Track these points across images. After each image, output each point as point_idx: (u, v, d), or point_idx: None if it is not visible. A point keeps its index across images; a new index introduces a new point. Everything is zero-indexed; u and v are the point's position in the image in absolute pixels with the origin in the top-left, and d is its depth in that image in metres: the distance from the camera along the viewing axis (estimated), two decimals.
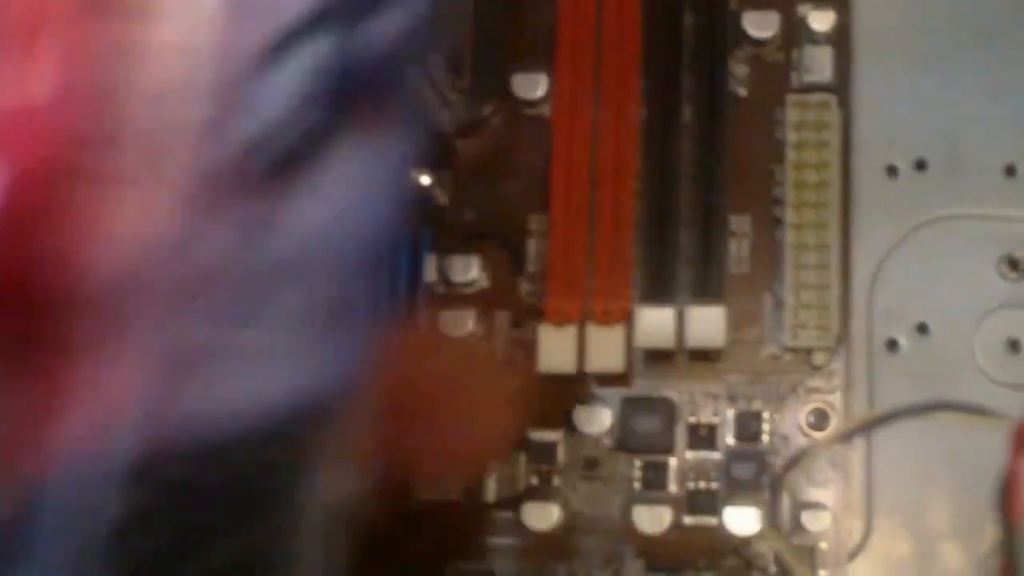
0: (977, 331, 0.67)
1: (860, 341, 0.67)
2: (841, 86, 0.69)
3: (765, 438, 0.66)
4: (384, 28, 0.37)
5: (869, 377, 0.67)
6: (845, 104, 0.68)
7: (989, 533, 0.65)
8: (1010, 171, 0.68)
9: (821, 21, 0.68)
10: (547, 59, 0.70)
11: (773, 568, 0.65)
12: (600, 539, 0.67)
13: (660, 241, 0.66)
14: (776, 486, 0.64)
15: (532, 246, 0.69)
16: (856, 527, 0.66)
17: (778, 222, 0.67)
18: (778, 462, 0.66)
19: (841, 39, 0.69)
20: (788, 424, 0.66)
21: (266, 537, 0.39)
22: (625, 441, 0.66)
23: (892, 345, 0.67)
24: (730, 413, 0.67)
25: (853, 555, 0.65)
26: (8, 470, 0.33)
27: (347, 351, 0.39)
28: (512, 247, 0.69)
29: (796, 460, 0.63)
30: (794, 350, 0.67)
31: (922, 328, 0.67)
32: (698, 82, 0.68)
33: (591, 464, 0.67)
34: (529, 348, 0.68)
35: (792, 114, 0.67)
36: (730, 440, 0.67)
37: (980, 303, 0.67)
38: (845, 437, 0.61)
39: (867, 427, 0.58)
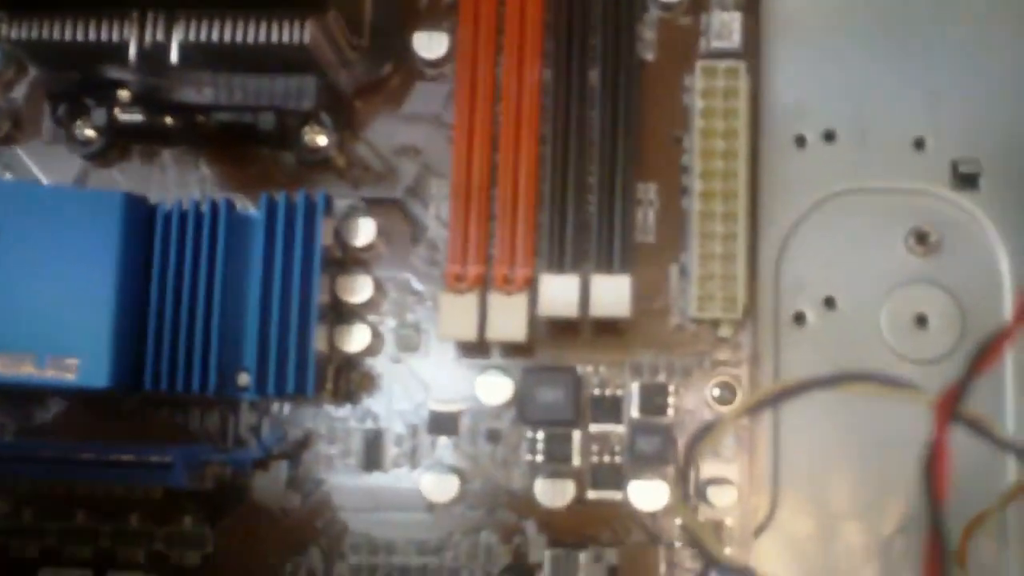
0: (884, 306, 0.66)
1: (767, 314, 0.66)
2: (750, 53, 0.67)
3: (671, 411, 0.64)
4: None
5: (775, 351, 0.66)
6: (754, 71, 0.66)
7: (893, 510, 0.64)
8: (919, 144, 0.67)
9: None
10: (449, 18, 0.67)
11: (678, 543, 0.64)
12: (501, 513, 0.65)
13: (564, 208, 0.64)
14: (686, 459, 0.62)
15: (432, 210, 0.67)
16: (762, 503, 0.64)
17: (685, 191, 0.66)
18: (683, 436, 0.64)
19: (751, 5, 0.67)
20: (694, 397, 0.65)
21: None
22: (527, 412, 0.64)
23: (799, 318, 0.66)
24: (635, 385, 0.65)
25: (759, 531, 0.64)
26: None
27: None
28: (411, 211, 0.67)
29: (704, 432, 0.61)
30: (700, 321, 0.65)
31: (829, 302, 0.66)
32: (605, 45, 0.66)
33: (493, 436, 0.65)
34: (429, 317, 0.66)
35: (700, 80, 0.65)
36: (635, 413, 0.65)
37: (888, 277, 0.66)
38: (755, 408, 0.59)
39: (778, 398, 0.56)
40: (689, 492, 0.63)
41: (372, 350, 0.66)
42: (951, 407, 0.49)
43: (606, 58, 0.66)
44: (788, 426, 0.65)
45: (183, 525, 0.65)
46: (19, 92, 0.69)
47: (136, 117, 0.64)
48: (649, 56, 0.67)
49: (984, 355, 0.48)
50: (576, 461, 0.64)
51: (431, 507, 0.65)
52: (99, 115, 0.65)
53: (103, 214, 0.61)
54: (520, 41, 0.66)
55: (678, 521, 0.64)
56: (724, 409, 0.64)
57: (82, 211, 0.61)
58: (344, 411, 0.66)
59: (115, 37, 0.62)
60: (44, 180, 0.68)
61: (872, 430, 0.64)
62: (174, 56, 0.62)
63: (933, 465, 0.48)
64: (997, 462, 0.63)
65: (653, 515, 0.64)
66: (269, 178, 0.67)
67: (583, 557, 0.64)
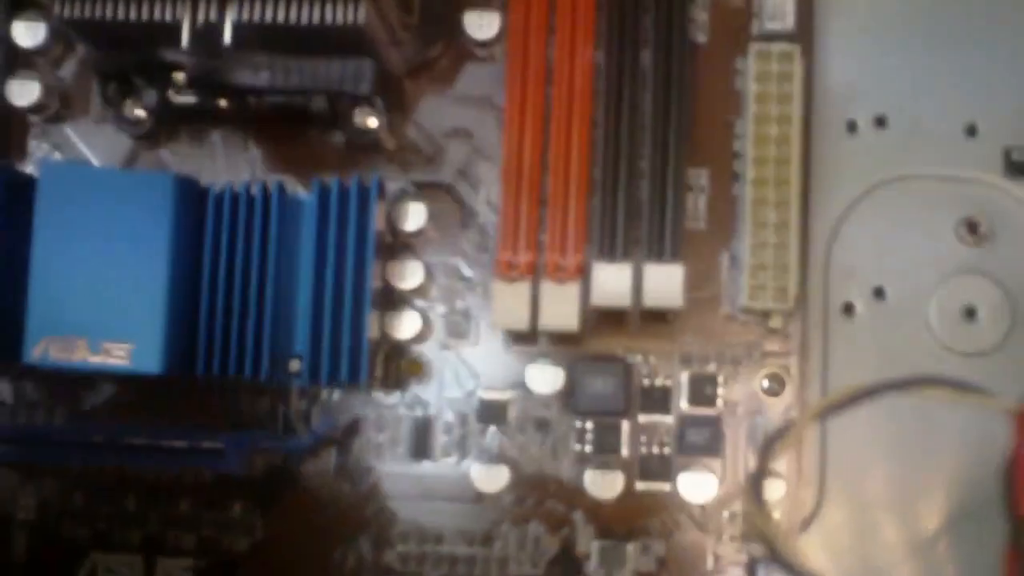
0: (934, 297, 0.65)
1: (817, 304, 0.65)
2: (804, 35, 0.66)
3: (720, 402, 0.64)
4: None
5: (824, 342, 0.65)
6: (807, 55, 0.66)
7: (937, 507, 0.64)
8: (971, 131, 0.66)
9: None
10: None
11: (726, 535, 0.64)
12: (550, 503, 0.65)
13: (615, 195, 0.64)
14: (761, 464, 0.62)
15: (482, 195, 0.66)
16: (809, 496, 0.64)
17: (737, 177, 0.65)
18: (731, 427, 0.64)
19: None
20: (743, 388, 0.65)
21: None
22: (577, 403, 0.64)
23: (848, 309, 0.65)
24: (684, 376, 0.65)
25: (805, 525, 0.64)
26: None
27: None
28: (461, 196, 0.67)
29: (779, 435, 0.61)
30: (751, 312, 0.65)
31: (878, 292, 0.65)
32: (657, 27, 0.65)
33: (542, 425, 0.65)
34: (480, 305, 0.66)
35: (754, 64, 0.64)
36: (684, 404, 0.65)
37: (937, 268, 0.65)
38: (829, 412, 0.59)
39: (852, 401, 0.56)
40: (762, 497, 0.63)
41: (422, 337, 0.65)
42: None
43: (658, 40, 0.65)
44: (835, 421, 0.64)
45: (233, 511, 0.65)
46: (67, 70, 0.69)
47: (189, 99, 0.64)
48: (701, 38, 0.67)
49: None
50: (625, 452, 0.64)
51: (480, 496, 0.65)
52: (150, 96, 0.64)
53: (155, 196, 0.60)
54: (572, 22, 0.65)
55: (726, 514, 0.64)
56: (772, 400, 0.64)
57: (134, 193, 0.60)
58: (393, 399, 0.66)
59: (168, 17, 0.61)
60: (93, 160, 0.68)
61: (917, 426, 0.63)
62: (227, 37, 0.61)
63: (1014, 474, 0.48)
64: None
65: (702, 507, 0.64)
66: (318, 160, 0.67)
67: (631, 548, 0.64)
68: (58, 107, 0.68)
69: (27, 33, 0.67)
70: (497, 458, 0.64)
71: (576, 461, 0.65)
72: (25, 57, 0.68)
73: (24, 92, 0.67)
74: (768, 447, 0.60)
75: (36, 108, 0.67)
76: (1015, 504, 0.47)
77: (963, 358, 0.65)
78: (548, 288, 0.63)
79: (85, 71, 0.68)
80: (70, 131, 0.68)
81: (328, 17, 0.60)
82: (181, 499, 0.66)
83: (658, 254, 0.63)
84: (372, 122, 0.65)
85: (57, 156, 0.68)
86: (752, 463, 0.64)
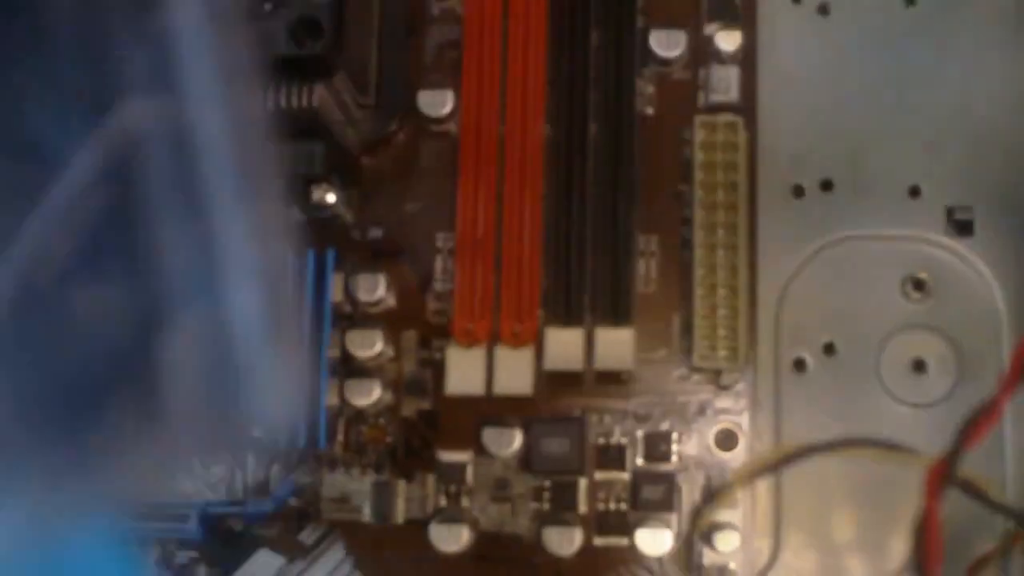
0: (883, 351, 0.67)
1: (767, 362, 0.67)
2: (747, 106, 0.69)
3: (674, 458, 0.66)
4: None
5: (776, 397, 0.67)
6: (751, 125, 0.68)
7: (897, 547, 0.65)
8: (914, 192, 0.68)
9: (728, 41, 0.68)
10: (453, 76, 0.69)
11: None
12: (510, 561, 0.66)
13: (567, 261, 0.66)
14: (692, 529, 0.63)
15: (439, 264, 0.68)
16: (765, 546, 0.66)
17: (686, 243, 0.67)
18: (686, 483, 0.66)
19: (747, 59, 0.69)
20: (697, 444, 0.66)
21: None
22: (534, 462, 0.66)
23: (799, 365, 0.67)
24: (639, 433, 0.66)
25: (762, 574, 0.65)
26: None
27: None
28: (419, 266, 0.69)
29: (708, 502, 0.63)
30: (702, 371, 0.66)
31: (828, 348, 0.67)
32: (605, 100, 0.68)
33: (501, 485, 0.67)
34: (438, 368, 0.67)
35: (699, 134, 0.67)
36: (639, 460, 0.66)
37: (886, 323, 0.67)
38: (755, 477, 0.61)
39: (779, 465, 0.58)
40: (696, 560, 0.65)
41: (381, 402, 0.67)
42: (942, 479, 0.50)
43: (607, 113, 0.68)
44: (789, 471, 0.66)
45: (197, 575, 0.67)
46: None
47: None
48: (649, 110, 0.69)
49: (974, 427, 0.50)
50: (583, 508, 0.66)
51: (440, 556, 0.66)
52: None
53: None
54: (523, 98, 0.67)
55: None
56: (726, 456, 0.66)
57: None
58: (354, 462, 0.67)
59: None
60: None
61: (873, 470, 0.65)
62: None
63: (925, 536, 0.49)
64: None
65: (659, 560, 0.65)
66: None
67: None
68: None
69: None
70: (457, 518, 0.66)
71: (535, 519, 0.66)
72: None
73: None
74: (697, 518, 0.62)
75: None
76: (925, 561, 0.48)
77: (914, 409, 0.66)
78: (503, 354, 0.65)
79: None
80: None
81: (283, 101, 0.63)
82: (145, 564, 0.67)
83: (610, 318, 0.65)
84: (330, 198, 0.67)
85: None
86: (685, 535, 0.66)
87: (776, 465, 0.58)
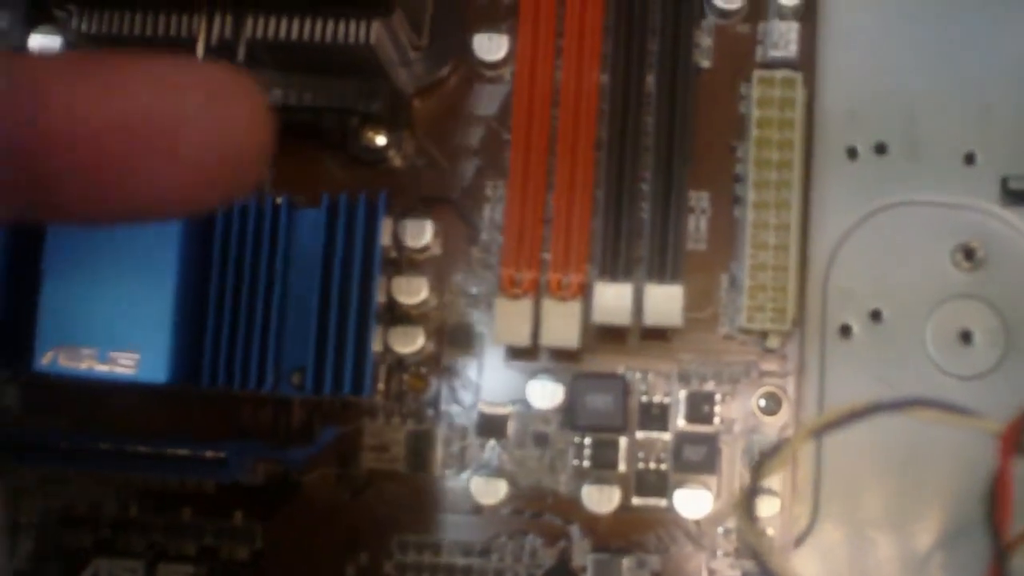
0: (930, 320, 0.66)
1: (814, 326, 0.66)
2: (806, 63, 0.67)
3: (717, 420, 0.65)
4: None
5: (821, 362, 0.66)
6: (809, 82, 0.67)
7: (932, 524, 0.64)
8: (969, 159, 0.67)
9: None
10: (509, 21, 0.68)
11: (720, 551, 0.65)
12: (547, 517, 0.66)
13: (618, 215, 0.65)
14: (753, 481, 0.62)
15: (487, 213, 0.67)
16: (804, 513, 0.65)
17: (738, 200, 0.66)
18: (728, 445, 0.65)
19: (808, 15, 0.68)
20: (740, 407, 0.65)
21: None
22: (576, 418, 0.65)
23: (845, 331, 0.66)
24: (682, 394, 0.66)
25: (799, 541, 0.65)
26: None
27: None
28: (467, 213, 0.68)
29: (771, 454, 0.62)
30: (749, 332, 0.65)
31: (875, 315, 0.66)
32: (662, 51, 0.66)
33: (541, 440, 0.66)
34: (482, 320, 0.67)
35: (757, 90, 0.65)
36: (681, 421, 0.65)
37: (934, 292, 0.66)
38: (822, 431, 0.60)
39: (845, 421, 0.57)
40: (754, 513, 0.64)
41: (424, 351, 0.66)
42: (1016, 438, 0.49)
43: (663, 64, 0.66)
44: (830, 437, 0.65)
45: (234, 520, 0.66)
46: None
47: None
48: (706, 63, 0.68)
49: None
50: (622, 467, 0.65)
51: (478, 509, 0.66)
52: None
53: None
54: (579, 45, 0.66)
55: (720, 530, 0.65)
56: (769, 420, 0.65)
57: None
58: (395, 411, 0.67)
59: (183, 33, 0.61)
60: None
61: (913, 443, 0.64)
62: (241, 54, 0.62)
63: (998, 496, 0.48)
64: None
65: (697, 523, 0.65)
66: (327, 176, 0.68)
67: (626, 562, 0.65)
68: None
69: (44, 46, 0.68)
70: (496, 471, 0.66)
71: (574, 476, 0.65)
72: None
73: None
74: (761, 465, 0.61)
75: None
76: (999, 526, 0.48)
77: (959, 381, 0.66)
78: (550, 306, 0.64)
79: None
80: None
81: (340, 36, 0.61)
82: (183, 508, 0.67)
83: (659, 274, 0.64)
84: (380, 140, 0.66)
85: None
86: (746, 480, 0.65)
87: (840, 421, 0.57)
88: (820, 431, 0.58)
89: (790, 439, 0.63)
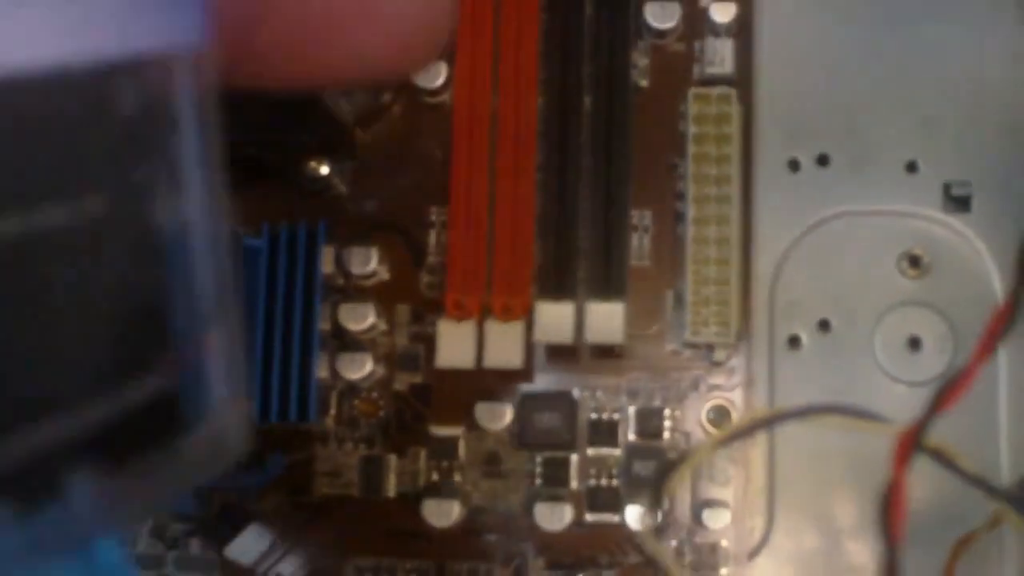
0: (878, 328, 0.67)
1: (762, 337, 0.67)
2: (743, 79, 0.68)
3: (666, 435, 0.66)
4: None
5: (770, 374, 0.66)
6: (747, 98, 0.67)
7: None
8: (912, 167, 0.68)
9: (723, 13, 0.68)
10: (447, 47, 0.68)
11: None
12: (501, 536, 0.66)
13: (560, 235, 0.66)
14: (656, 491, 0.63)
15: (432, 238, 0.68)
16: (758, 525, 0.65)
17: (679, 216, 0.67)
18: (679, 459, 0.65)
19: (743, 31, 0.68)
20: (689, 421, 0.66)
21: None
22: (525, 437, 0.66)
23: (794, 342, 0.67)
24: (631, 409, 0.66)
25: (754, 553, 0.65)
26: None
27: None
28: (412, 239, 0.68)
29: (683, 457, 0.62)
30: (695, 346, 0.66)
31: (823, 325, 0.67)
32: (598, 72, 0.67)
33: (492, 460, 0.66)
34: (429, 342, 0.67)
35: (693, 107, 0.66)
36: (631, 436, 0.66)
37: (881, 300, 0.67)
38: (727, 441, 0.60)
39: (749, 431, 0.57)
40: (684, 514, 0.64)
41: (373, 376, 0.67)
42: (911, 445, 0.49)
43: (600, 85, 0.67)
44: (782, 447, 0.65)
45: (191, 548, 0.67)
46: None
47: None
48: (644, 82, 0.69)
49: (947, 392, 0.49)
50: (574, 484, 0.66)
51: (432, 531, 0.66)
52: None
53: None
54: (516, 69, 0.67)
55: (673, 543, 0.65)
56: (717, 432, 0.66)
57: None
58: (347, 437, 0.67)
59: None
60: None
61: (867, 448, 0.64)
62: None
63: (890, 505, 0.48)
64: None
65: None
66: (272, 208, 0.68)
67: None
68: None
69: None
70: (448, 493, 0.66)
71: (526, 495, 0.66)
72: None
73: None
74: (664, 477, 0.61)
75: None
76: (891, 534, 0.48)
77: (909, 387, 0.66)
78: (493, 327, 0.65)
79: None
80: None
81: None
82: (138, 538, 0.67)
83: (601, 292, 0.65)
84: (324, 170, 0.67)
85: None
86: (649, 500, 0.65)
87: (744, 432, 0.58)
88: (725, 442, 0.59)
89: (694, 450, 0.64)
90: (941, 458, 0.50)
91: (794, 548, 0.65)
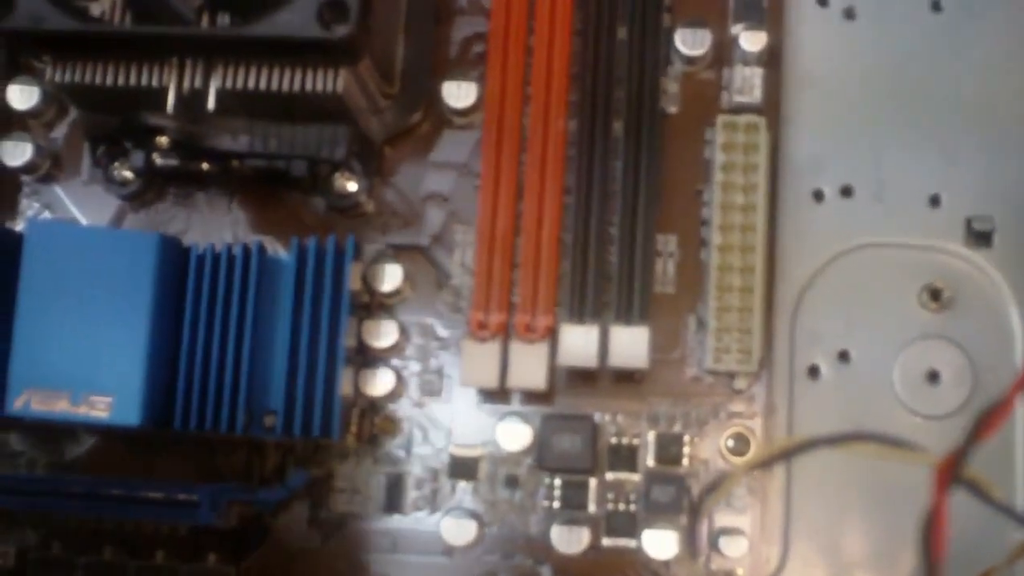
0: (897, 360, 0.67)
1: (782, 366, 0.67)
2: (770, 108, 0.68)
3: (685, 461, 0.66)
4: None
5: (790, 403, 0.67)
6: (774, 127, 0.68)
7: (904, 561, 0.65)
8: (935, 201, 0.68)
9: (753, 41, 0.68)
10: (478, 69, 0.69)
11: None
12: (518, 557, 0.66)
13: (586, 258, 0.66)
14: (695, 512, 0.63)
15: (457, 257, 0.68)
16: (773, 554, 0.65)
17: (704, 243, 0.67)
18: (697, 486, 0.65)
19: (772, 61, 0.69)
20: (708, 448, 0.66)
21: None
22: (545, 459, 0.66)
23: (813, 372, 0.67)
24: (651, 435, 0.66)
25: None
26: None
27: None
28: (437, 258, 0.69)
29: (713, 486, 0.62)
30: (716, 373, 0.66)
31: (843, 356, 0.67)
32: (628, 97, 0.67)
33: (511, 482, 0.67)
34: (452, 362, 0.68)
35: (721, 134, 0.66)
36: (650, 462, 0.66)
37: (901, 332, 0.67)
38: (762, 465, 0.60)
39: (785, 456, 0.57)
40: (697, 544, 0.64)
41: (395, 394, 0.67)
42: (951, 473, 0.49)
43: (630, 110, 0.67)
44: (800, 477, 0.66)
45: (207, 562, 0.67)
46: (59, 132, 0.71)
47: (172, 162, 0.65)
48: (672, 109, 0.69)
49: (986, 422, 0.49)
50: (592, 508, 0.66)
51: (450, 550, 0.66)
52: (137, 157, 0.66)
53: (139, 255, 0.62)
54: (547, 92, 0.67)
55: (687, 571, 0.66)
56: (738, 460, 0.66)
57: (118, 252, 0.62)
58: (367, 453, 0.67)
59: (155, 83, 0.63)
60: (82, 219, 0.70)
61: (884, 481, 0.65)
62: (211, 103, 0.63)
63: (931, 530, 0.48)
64: (1002, 521, 0.63)
65: (666, 563, 0.65)
66: (299, 222, 0.69)
67: None
68: (49, 167, 0.70)
69: (21, 96, 0.70)
70: (467, 513, 0.66)
71: (544, 517, 0.66)
72: (19, 119, 0.71)
73: (17, 153, 0.69)
74: (701, 500, 0.61)
75: (28, 168, 0.70)
76: (932, 563, 0.48)
77: (926, 421, 0.66)
78: (518, 348, 0.65)
79: (77, 133, 0.71)
80: (60, 191, 0.71)
81: (308, 85, 0.63)
82: (157, 550, 0.67)
83: (626, 317, 0.65)
84: (352, 186, 0.68)
85: (47, 215, 0.71)
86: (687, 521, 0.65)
87: (779, 456, 0.58)
88: (759, 466, 0.59)
89: (730, 473, 0.64)
90: (977, 489, 0.50)
91: None
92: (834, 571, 0.65)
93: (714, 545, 0.64)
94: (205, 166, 0.66)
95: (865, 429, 0.56)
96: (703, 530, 0.65)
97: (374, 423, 0.67)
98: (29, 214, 0.71)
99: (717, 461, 0.66)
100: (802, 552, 0.65)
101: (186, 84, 0.63)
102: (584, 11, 0.68)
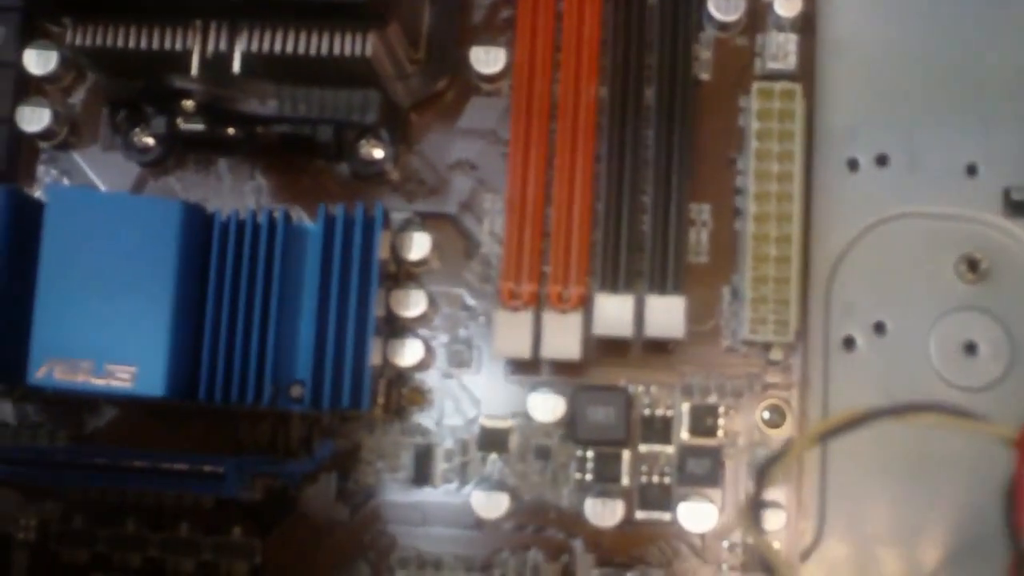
0: (934, 332, 0.66)
1: (817, 337, 0.66)
2: (806, 75, 0.67)
3: (720, 433, 0.65)
4: None
5: (825, 374, 0.65)
6: (808, 94, 0.66)
7: (938, 539, 0.64)
8: (971, 170, 0.67)
9: (788, 7, 0.67)
10: (506, 34, 0.68)
11: (725, 565, 0.64)
12: (550, 530, 0.65)
13: (619, 228, 0.64)
14: (758, 485, 0.62)
15: (486, 226, 0.67)
16: (809, 528, 0.64)
17: (739, 212, 0.66)
18: (731, 458, 0.64)
19: (807, 27, 0.67)
20: (743, 420, 0.65)
21: None
22: (578, 431, 0.64)
23: (849, 343, 0.66)
24: (685, 406, 0.65)
25: (805, 556, 0.64)
26: None
27: None
28: (465, 227, 0.67)
29: (778, 455, 0.61)
30: (752, 344, 0.65)
31: (879, 327, 0.66)
32: (660, 64, 0.66)
33: (543, 454, 0.65)
34: (482, 332, 0.66)
35: (756, 102, 0.65)
36: (685, 434, 0.65)
37: (937, 304, 0.66)
38: (824, 437, 0.59)
39: (847, 427, 0.56)
40: (760, 520, 0.63)
41: (424, 365, 0.66)
42: None
43: (662, 77, 0.66)
44: (836, 451, 0.64)
45: (232, 535, 0.66)
46: (77, 98, 0.70)
47: (197, 127, 0.64)
48: (705, 76, 0.67)
49: None
50: (625, 481, 0.65)
51: (480, 523, 0.65)
52: (158, 123, 0.65)
53: (162, 222, 0.60)
54: (577, 58, 0.66)
55: (725, 544, 0.64)
56: (773, 433, 0.65)
57: (140, 219, 0.60)
58: (395, 425, 0.66)
59: (178, 46, 0.62)
60: (101, 186, 0.69)
61: (919, 455, 0.64)
62: (236, 66, 0.61)
63: (1016, 500, 0.47)
64: None
65: (701, 536, 0.64)
66: (323, 189, 0.68)
67: None
68: (67, 134, 0.69)
69: (38, 61, 0.68)
70: (498, 485, 0.65)
71: (576, 489, 0.65)
72: (36, 84, 0.69)
73: (34, 118, 0.68)
74: (765, 470, 0.60)
75: (45, 134, 0.68)
76: (1016, 531, 0.47)
77: (963, 392, 0.65)
78: (550, 318, 0.64)
79: (95, 99, 0.70)
80: (79, 158, 0.69)
81: (336, 49, 0.61)
82: (181, 523, 0.66)
83: (660, 286, 0.64)
84: (377, 153, 0.66)
85: (65, 182, 0.69)
86: (751, 490, 0.64)
87: (843, 427, 0.56)
88: (825, 436, 0.57)
89: (794, 443, 0.63)
90: None
91: (844, 553, 0.64)
92: (868, 545, 0.64)
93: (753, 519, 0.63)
94: (230, 131, 0.65)
95: (934, 400, 0.55)
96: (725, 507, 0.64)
97: (402, 394, 0.66)
98: (47, 181, 0.69)
99: (753, 433, 0.65)
100: (838, 526, 0.64)
101: (210, 47, 0.62)
102: None
